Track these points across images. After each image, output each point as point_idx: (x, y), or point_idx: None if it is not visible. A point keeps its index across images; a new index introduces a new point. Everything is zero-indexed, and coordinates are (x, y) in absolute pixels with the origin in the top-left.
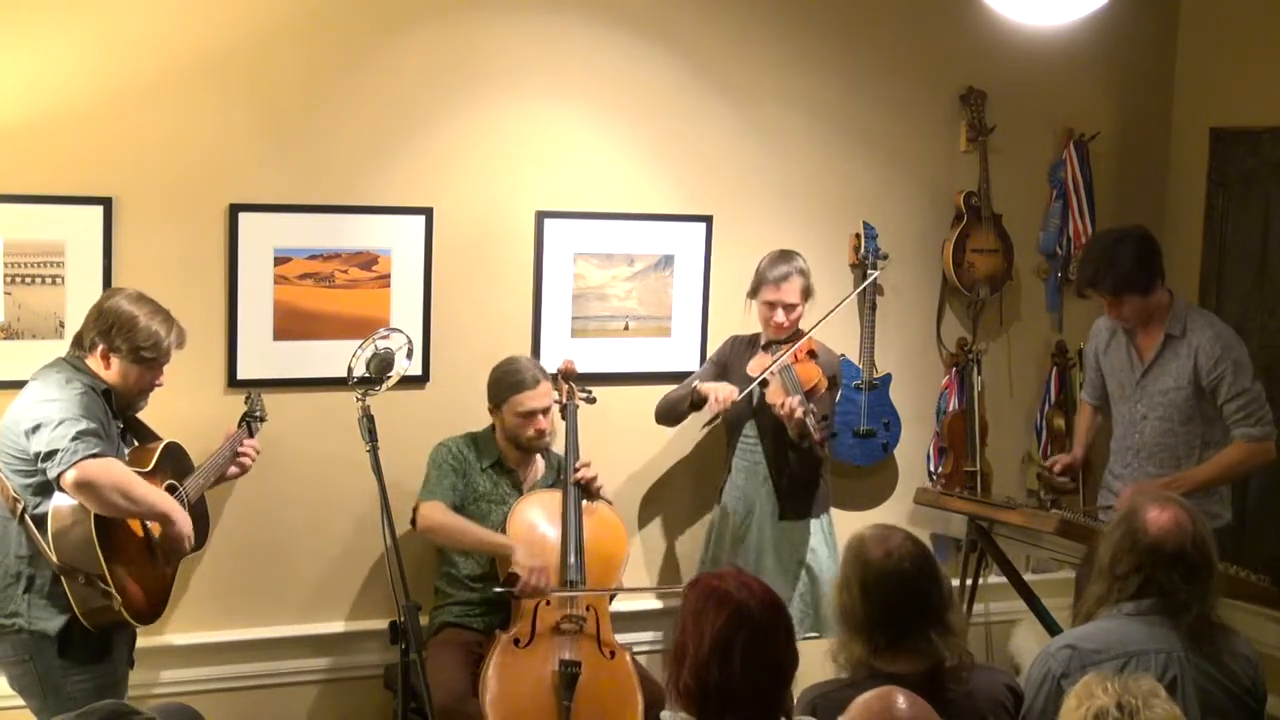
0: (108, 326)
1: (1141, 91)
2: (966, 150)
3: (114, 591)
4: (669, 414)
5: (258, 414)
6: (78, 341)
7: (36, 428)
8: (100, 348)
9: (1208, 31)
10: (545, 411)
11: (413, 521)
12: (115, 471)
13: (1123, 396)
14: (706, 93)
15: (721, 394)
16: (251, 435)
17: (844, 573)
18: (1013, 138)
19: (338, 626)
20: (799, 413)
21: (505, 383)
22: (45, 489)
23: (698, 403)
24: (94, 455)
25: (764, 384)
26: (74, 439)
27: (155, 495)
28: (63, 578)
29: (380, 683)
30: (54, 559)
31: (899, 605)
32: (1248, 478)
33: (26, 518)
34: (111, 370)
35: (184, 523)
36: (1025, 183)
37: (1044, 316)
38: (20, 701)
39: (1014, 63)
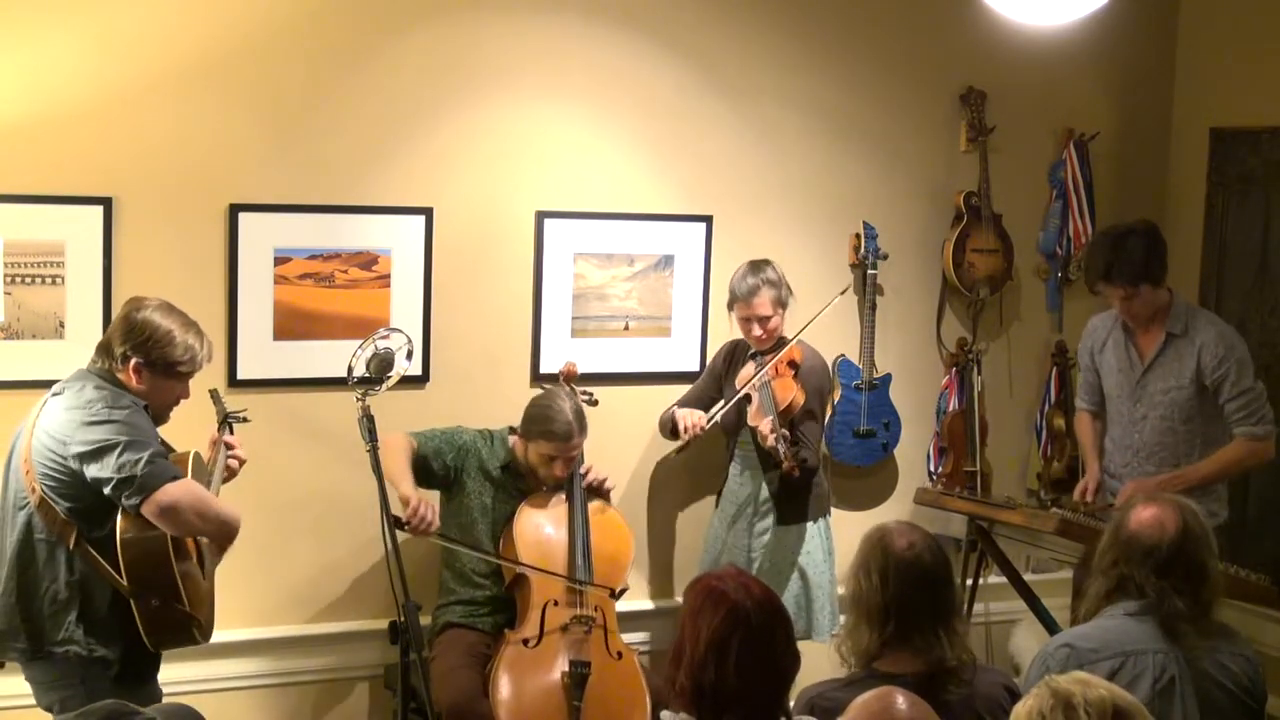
0: (143, 340)
1: (1141, 91)
2: (966, 150)
3: (191, 613)
4: (665, 432)
5: (239, 415)
6: (106, 353)
7: (97, 452)
8: (133, 361)
9: (1208, 31)
10: (569, 461)
11: None
12: (195, 492)
13: (1121, 395)
14: (706, 93)
15: (690, 420)
16: (231, 434)
17: (863, 560)
18: (1013, 138)
19: (338, 626)
20: (770, 440)
21: (538, 426)
22: (95, 513)
23: (676, 430)
24: (174, 478)
25: (748, 398)
26: (148, 463)
27: (225, 509)
28: (133, 602)
29: (380, 683)
30: (125, 583)
31: (917, 596)
32: (1248, 478)
33: (84, 542)
34: (143, 384)
35: (237, 528)
36: (1025, 183)
37: (1044, 316)
38: (21, 702)
39: (1014, 63)
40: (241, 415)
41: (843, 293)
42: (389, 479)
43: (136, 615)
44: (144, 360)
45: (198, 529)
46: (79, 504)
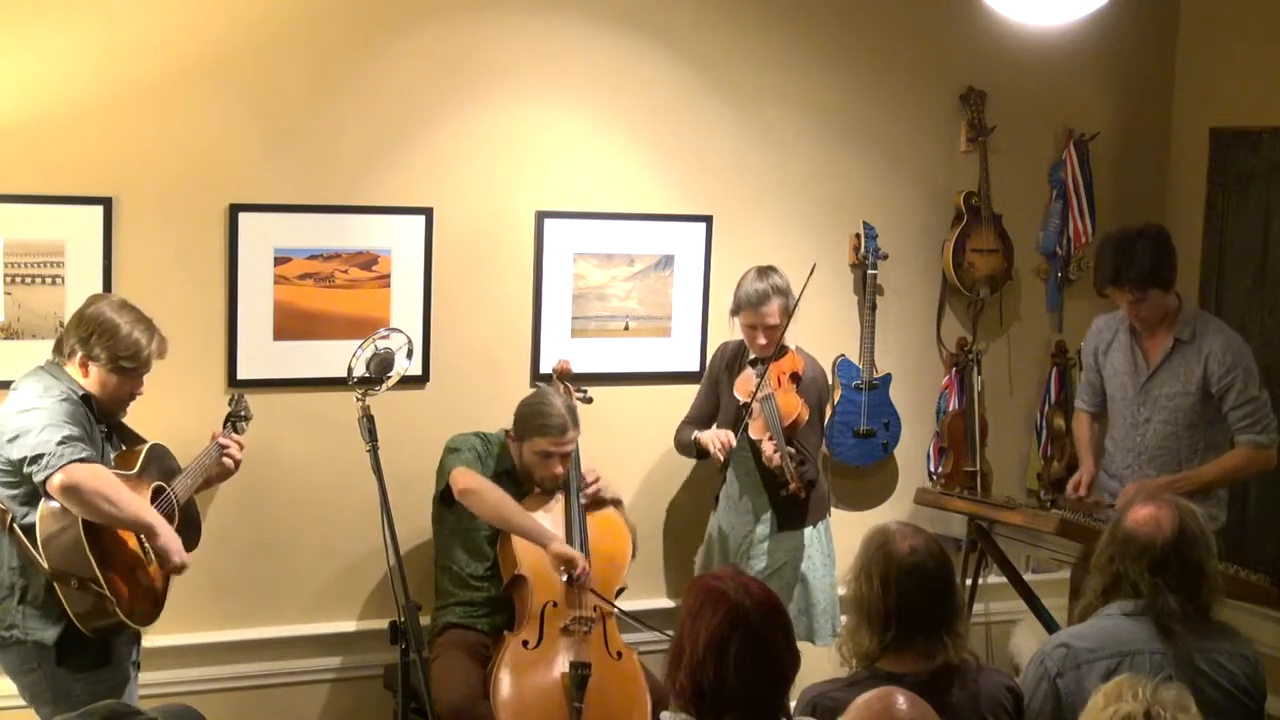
0: (88, 334)
1: (1141, 91)
2: (966, 150)
3: (108, 594)
4: (690, 454)
5: (242, 413)
6: (58, 348)
7: (19, 436)
8: (79, 355)
9: (1208, 31)
10: (565, 458)
11: (443, 498)
12: (101, 477)
13: (1125, 398)
14: (707, 93)
15: (719, 442)
16: (238, 433)
17: (864, 563)
18: (1013, 138)
19: (338, 626)
20: (775, 460)
21: (532, 423)
22: (32, 498)
23: (702, 453)
24: (81, 460)
25: (748, 409)
26: (60, 443)
27: (140, 506)
28: (56, 584)
29: (380, 683)
30: (45, 565)
31: (918, 603)
32: (1248, 480)
33: (16, 528)
34: (90, 378)
35: (169, 537)
36: (1025, 183)
37: (1044, 316)
38: (19, 701)
39: (1014, 63)
40: (243, 414)
41: (811, 272)
42: (517, 529)
43: (62, 597)
44: (87, 354)
45: (105, 514)
46: (16, 491)
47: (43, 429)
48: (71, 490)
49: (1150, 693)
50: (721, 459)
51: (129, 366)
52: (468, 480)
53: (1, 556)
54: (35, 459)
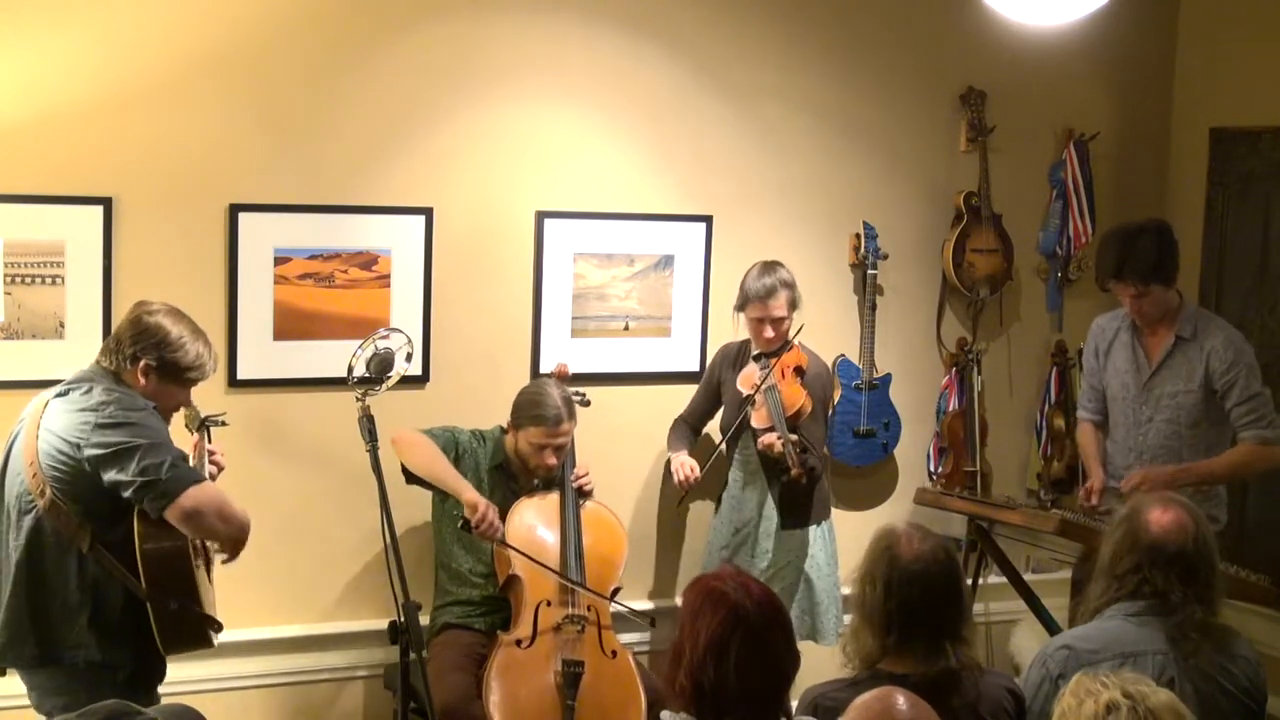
0: (155, 342)
1: (1141, 91)
2: (966, 150)
3: (210, 614)
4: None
5: (217, 419)
6: (113, 354)
7: (115, 455)
8: (143, 362)
9: (1208, 31)
10: (559, 449)
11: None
12: (216, 496)
13: (1126, 398)
14: (706, 93)
15: (681, 475)
16: (210, 440)
17: (869, 565)
18: (1013, 138)
19: (338, 626)
20: (777, 447)
21: (528, 411)
22: (110, 516)
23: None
24: (195, 482)
25: (752, 402)
26: (171, 467)
27: (243, 513)
28: (150, 605)
29: (380, 683)
30: (144, 586)
31: (919, 610)
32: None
33: (99, 545)
34: (149, 386)
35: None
36: (1025, 183)
37: (1044, 316)
38: (20, 701)
39: (1014, 63)
40: (220, 419)
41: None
42: (439, 479)
43: (152, 619)
44: (155, 362)
45: (219, 532)
46: (93, 506)
47: (144, 451)
48: (194, 514)
49: (1117, 677)
50: (681, 491)
51: (193, 378)
52: (400, 432)
53: (68, 574)
54: (149, 485)
